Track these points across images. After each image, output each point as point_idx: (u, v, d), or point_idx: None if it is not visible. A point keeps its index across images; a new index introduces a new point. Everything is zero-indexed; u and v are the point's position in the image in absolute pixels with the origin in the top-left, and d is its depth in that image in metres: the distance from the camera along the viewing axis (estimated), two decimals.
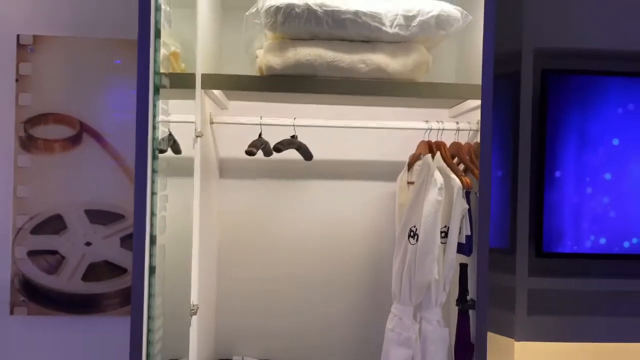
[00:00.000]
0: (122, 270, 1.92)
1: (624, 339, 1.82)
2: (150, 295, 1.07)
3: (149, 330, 1.16)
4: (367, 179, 1.99)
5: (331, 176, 1.99)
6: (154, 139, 1.26)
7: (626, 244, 1.84)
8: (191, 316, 1.35)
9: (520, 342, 1.56)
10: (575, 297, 1.83)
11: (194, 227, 1.47)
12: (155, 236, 1.20)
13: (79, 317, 1.91)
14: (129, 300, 1.92)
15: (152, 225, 1.20)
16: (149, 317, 1.06)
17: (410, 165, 1.79)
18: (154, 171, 1.23)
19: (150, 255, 1.22)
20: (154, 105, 1.27)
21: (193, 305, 1.38)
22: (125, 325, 1.96)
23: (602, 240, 1.84)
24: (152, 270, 1.21)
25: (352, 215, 1.98)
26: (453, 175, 1.59)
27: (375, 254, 1.98)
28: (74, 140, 1.92)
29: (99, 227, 1.92)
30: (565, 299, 1.83)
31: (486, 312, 1.37)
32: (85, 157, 1.91)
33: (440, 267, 1.63)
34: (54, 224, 1.91)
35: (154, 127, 1.26)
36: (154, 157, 1.24)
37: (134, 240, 1.22)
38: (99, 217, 1.92)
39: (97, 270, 1.92)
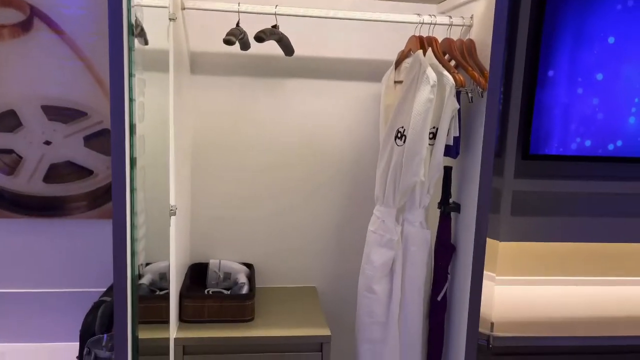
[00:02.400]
0: (88, 172, 1.80)
1: (605, 239, 1.87)
2: (132, 189, 0.97)
3: (132, 226, 1.08)
4: (351, 78, 1.87)
5: (312, 75, 1.86)
6: (129, 22, 1.10)
7: (610, 147, 1.84)
8: (170, 216, 1.27)
9: (504, 243, 1.58)
10: (558, 199, 1.85)
11: (170, 126, 1.35)
12: (135, 125, 1.08)
13: (45, 220, 1.81)
14: (98, 202, 1.84)
15: (130, 113, 1.07)
16: (132, 213, 0.97)
17: (398, 63, 1.68)
18: (130, 49, 1.09)
19: (131, 146, 1.11)
20: None
21: (172, 206, 1.30)
22: (94, 229, 1.90)
23: (588, 143, 1.83)
24: (133, 162, 1.10)
25: (333, 116, 1.89)
26: (446, 73, 1.50)
27: (357, 156, 1.92)
28: (24, 26, 1.70)
29: (58, 124, 1.76)
30: (548, 201, 1.85)
31: (487, 216, 1.33)
32: (39, 46, 1.71)
33: (426, 169, 1.59)
34: (7, 121, 1.74)
35: (129, 10, 1.10)
36: (131, 33, 1.09)
37: (112, 128, 1.09)
38: (58, 114, 1.76)
39: (60, 171, 1.79)
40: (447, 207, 1.69)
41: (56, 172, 1.78)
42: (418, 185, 1.60)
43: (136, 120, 1.07)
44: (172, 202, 1.34)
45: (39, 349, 1.83)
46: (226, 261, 1.88)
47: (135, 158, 1.04)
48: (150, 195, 1.24)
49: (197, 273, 1.85)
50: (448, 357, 1.71)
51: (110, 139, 1.80)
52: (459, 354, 1.61)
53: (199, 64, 1.81)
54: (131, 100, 1.10)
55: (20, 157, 1.76)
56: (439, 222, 1.71)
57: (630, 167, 1.93)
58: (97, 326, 1.51)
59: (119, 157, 0.98)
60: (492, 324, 1.34)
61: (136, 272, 1.11)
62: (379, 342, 1.65)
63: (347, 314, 1.96)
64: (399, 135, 1.57)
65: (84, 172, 1.79)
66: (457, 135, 1.59)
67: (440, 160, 1.59)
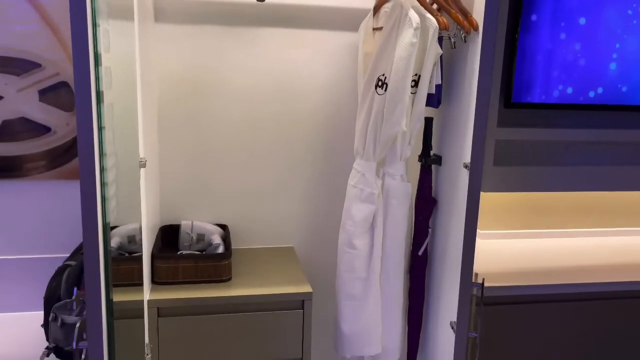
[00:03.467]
0: (44, 129, 1.67)
1: (586, 188, 1.87)
2: (102, 154, 0.87)
3: (102, 184, 0.98)
4: (327, 27, 1.78)
5: (286, 23, 1.75)
6: None
7: (591, 94, 1.82)
8: (140, 168, 1.18)
9: (486, 193, 1.55)
10: (540, 148, 1.83)
11: (137, 77, 1.24)
12: (102, 92, 0.97)
13: (0, 182, 1.68)
14: (57, 162, 1.71)
15: (97, 79, 0.95)
16: (101, 170, 0.88)
17: (377, 9, 1.60)
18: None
19: (99, 116, 1.00)
20: None
21: (141, 158, 1.21)
22: (55, 190, 1.78)
23: (569, 90, 1.80)
24: (100, 127, 1.00)
25: (309, 68, 1.80)
26: (429, 15, 1.43)
27: (335, 109, 1.85)
28: None
29: (10, 77, 1.62)
30: (530, 150, 1.83)
31: (481, 169, 1.28)
32: None
33: (407, 119, 1.54)
34: None
35: None
36: None
37: (75, 83, 0.96)
38: (9, 65, 1.61)
39: (14, 128, 1.65)
40: (428, 160, 1.65)
41: (10, 130, 1.64)
42: (399, 136, 1.55)
43: (102, 73, 0.95)
44: (141, 154, 1.25)
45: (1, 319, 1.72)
46: (199, 222, 1.79)
47: (104, 127, 0.92)
48: (119, 147, 1.14)
49: (168, 235, 1.77)
50: (429, 311, 1.70)
51: (67, 93, 1.68)
52: (441, 308, 1.60)
53: (163, 11, 1.68)
54: (96, 54, 0.98)
55: None
56: (420, 175, 1.67)
57: (611, 114, 1.92)
58: (63, 291, 1.42)
59: (85, 105, 0.85)
60: (475, 274, 1.32)
61: (108, 230, 1.01)
62: (360, 298, 1.62)
63: (327, 273, 1.92)
64: (380, 83, 1.50)
65: (41, 130, 1.66)
66: (439, 83, 1.54)
67: (422, 109, 1.53)
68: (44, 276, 1.57)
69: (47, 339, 1.49)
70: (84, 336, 0.89)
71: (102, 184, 0.97)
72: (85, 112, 0.90)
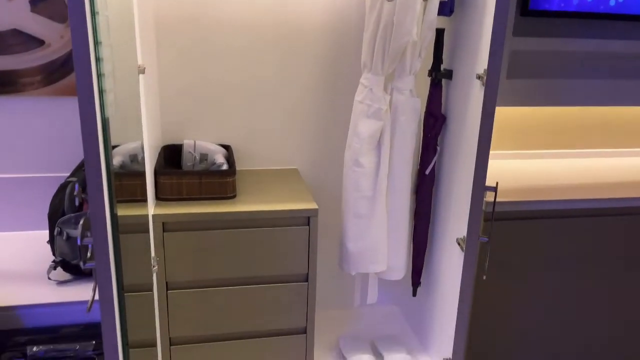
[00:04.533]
0: (38, 42, 1.60)
1: (605, 103, 1.81)
2: (96, 42, 0.80)
3: (100, 91, 0.92)
4: None
5: None
6: None
7: (612, 2, 1.72)
8: (139, 74, 1.12)
9: (499, 107, 1.50)
10: (556, 60, 1.75)
11: None
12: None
13: None
14: (54, 77, 1.66)
15: None
16: (98, 75, 0.82)
17: None
18: None
19: (92, 14, 0.92)
20: None
21: (139, 64, 1.15)
22: (52, 107, 1.73)
23: None
24: (94, 12, 0.93)
25: None
26: None
27: (341, 20, 1.76)
28: None
29: None
30: (545, 62, 1.75)
31: (498, 79, 1.22)
32: None
33: (418, 28, 1.47)
34: None
35: None
36: None
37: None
38: None
39: (6, 41, 1.58)
40: (439, 74, 1.59)
41: (2, 43, 1.57)
42: (409, 47, 1.48)
43: None
44: (139, 61, 1.19)
45: (2, 238, 1.71)
46: (202, 142, 1.75)
47: (100, 42, 0.85)
48: (116, 54, 1.08)
49: (171, 155, 1.73)
50: (434, 229, 1.69)
51: (60, 3, 1.59)
52: (448, 226, 1.59)
53: None
54: None
55: None
56: (429, 91, 1.61)
57: (634, 25, 1.82)
58: (67, 206, 1.40)
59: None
60: (497, 183, 1.27)
61: (109, 139, 0.97)
62: (366, 217, 1.61)
63: (331, 193, 1.90)
64: None
65: (34, 42, 1.59)
66: None
67: (434, 18, 1.46)
68: (47, 195, 1.56)
69: (54, 254, 1.50)
70: (88, 234, 0.87)
71: (100, 91, 0.92)
72: (77, 11, 0.83)
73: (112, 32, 0.94)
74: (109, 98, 0.88)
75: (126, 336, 1.08)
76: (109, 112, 0.88)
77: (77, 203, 1.18)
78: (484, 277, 1.33)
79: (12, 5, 1.54)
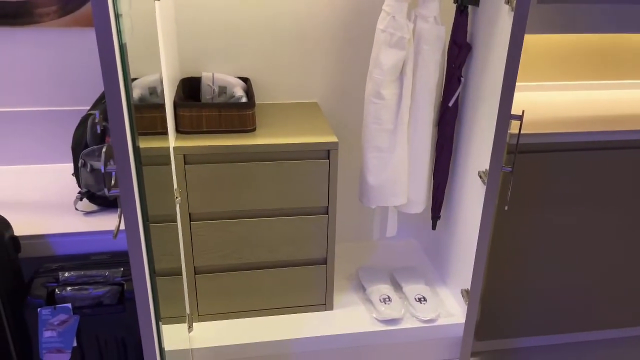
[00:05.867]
0: None
1: (633, 29, 1.71)
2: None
3: (116, 15, 0.90)
4: None
5: None
6: None
7: None
8: (154, 1, 1.09)
9: (527, 35, 1.42)
10: None
11: None
12: None
13: (9, 30, 1.61)
14: (70, 7, 1.62)
15: None
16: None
17: None
18: None
19: None
20: None
21: None
22: (68, 38, 1.71)
23: None
24: None
25: None
26: None
27: None
28: None
29: None
30: None
31: (527, 10, 1.15)
32: None
33: None
34: None
35: None
36: None
37: None
38: None
39: None
40: (465, 0, 1.52)
41: None
42: None
43: None
44: None
45: (29, 170, 1.75)
46: (220, 74, 1.73)
47: None
48: None
49: (189, 88, 1.72)
50: (456, 163, 1.68)
51: None
52: (470, 159, 1.57)
53: None
54: None
55: None
56: (455, 18, 1.54)
57: None
58: (89, 138, 1.42)
59: None
60: (522, 111, 1.23)
61: (128, 68, 0.96)
62: (387, 150, 1.60)
63: (351, 126, 1.88)
64: None
65: None
66: None
67: None
68: (69, 128, 1.57)
69: (79, 186, 1.53)
70: (111, 162, 0.88)
71: (116, 15, 0.90)
72: None
73: None
74: (125, 23, 0.86)
75: (152, 263, 1.11)
76: (126, 38, 0.87)
77: (98, 131, 1.19)
78: (506, 208, 1.32)
79: None
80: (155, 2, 1.12)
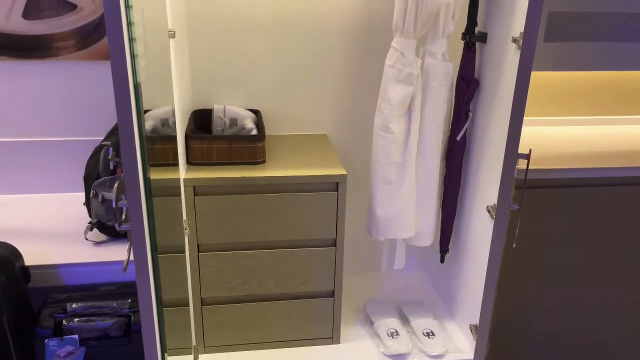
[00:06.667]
0: (71, 6, 1.61)
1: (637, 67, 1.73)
2: (129, 24, 0.80)
3: (132, 56, 0.93)
4: None
5: None
6: None
7: None
8: (169, 38, 1.13)
9: (534, 72, 1.45)
10: (597, 20, 1.64)
11: None
12: None
13: (29, 62, 1.66)
14: (87, 42, 1.67)
15: None
16: (130, 40, 0.83)
17: None
18: None
19: None
20: None
21: (170, 29, 1.15)
22: (87, 71, 1.76)
23: None
24: None
25: None
26: None
27: None
28: None
29: None
30: (586, 23, 1.65)
31: (534, 49, 1.17)
32: None
33: None
34: None
35: None
36: None
37: None
38: None
39: (40, 5, 1.60)
40: (473, 37, 1.54)
41: (36, 7, 1.59)
42: (443, 8, 1.44)
43: None
44: (169, 25, 1.19)
45: (41, 199, 1.78)
46: (231, 106, 1.76)
47: None
48: (146, 18, 1.08)
49: (201, 120, 1.75)
50: (464, 197, 1.68)
51: None
52: (478, 193, 1.57)
53: None
54: None
55: None
56: (463, 54, 1.57)
57: None
58: (101, 169, 1.44)
59: None
60: (530, 150, 1.24)
61: (142, 104, 0.98)
62: (395, 183, 1.60)
63: (361, 159, 1.89)
64: None
65: (67, 6, 1.60)
66: None
67: None
68: (82, 158, 1.60)
69: (90, 215, 1.55)
70: (122, 197, 0.90)
71: (132, 56, 0.93)
72: None
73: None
74: (140, 63, 0.89)
75: (160, 295, 1.12)
76: (140, 78, 0.89)
77: (111, 167, 1.21)
78: (514, 246, 1.32)
79: None
80: (170, 40, 1.15)
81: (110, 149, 1.12)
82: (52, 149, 1.76)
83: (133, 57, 0.85)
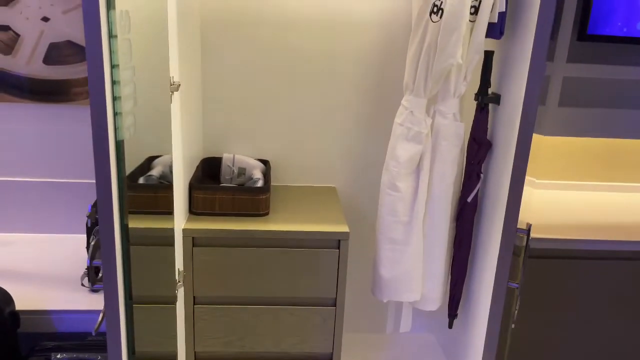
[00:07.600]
0: None
1: None
2: (112, 65, 0.80)
3: (115, 114, 0.92)
4: None
5: None
6: None
7: None
8: (172, 92, 1.13)
9: (548, 137, 1.39)
10: (612, 88, 1.61)
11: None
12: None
13: (47, 106, 1.70)
14: None
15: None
16: (112, 82, 0.82)
17: None
18: None
19: (109, 23, 0.91)
20: None
21: (173, 80, 1.15)
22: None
23: None
24: (111, 35, 0.92)
25: None
26: None
27: (385, 40, 1.71)
28: None
29: None
30: (604, 90, 1.62)
31: (536, 107, 1.14)
32: None
33: (464, 50, 1.39)
34: None
35: None
36: None
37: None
38: None
39: (61, 51, 1.65)
40: (485, 98, 1.50)
41: (57, 53, 1.64)
42: (454, 69, 1.41)
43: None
44: (175, 78, 1.20)
45: (48, 239, 1.79)
46: (241, 156, 1.76)
47: (116, 35, 0.83)
48: (138, 61, 1.07)
49: (210, 168, 1.75)
50: (474, 262, 1.60)
51: None
52: (488, 259, 1.49)
53: None
54: None
55: (18, 35, 1.62)
56: (475, 115, 1.53)
57: None
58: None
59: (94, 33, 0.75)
60: (529, 225, 1.20)
61: (123, 160, 0.96)
62: (401, 243, 1.55)
63: (370, 215, 1.85)
64: (435, 9, 1.35)
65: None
66: (503, 10, 1.37)
67: (482, 40, 1.38)
68: (88, 200, 1.61)
69: (89, 260, 1.54)
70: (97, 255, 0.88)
71: (114, 98, 0.90)
72: (92, 17, 0.81)
73: (139, 53, 0.95)
74: (126, 120, 0.88)
75: (132, 349, 1.07)
76: (127, 135, 0.88)
77: (88, 224, 1.20)
78: (512, 326, 1.23)
79: (67, 17, 1.61)
80: (174, 93, 1.15)
81: (90, 205, 1.12)
82: (61, 189, 1.78)
83: (115, 114, 0.84)
